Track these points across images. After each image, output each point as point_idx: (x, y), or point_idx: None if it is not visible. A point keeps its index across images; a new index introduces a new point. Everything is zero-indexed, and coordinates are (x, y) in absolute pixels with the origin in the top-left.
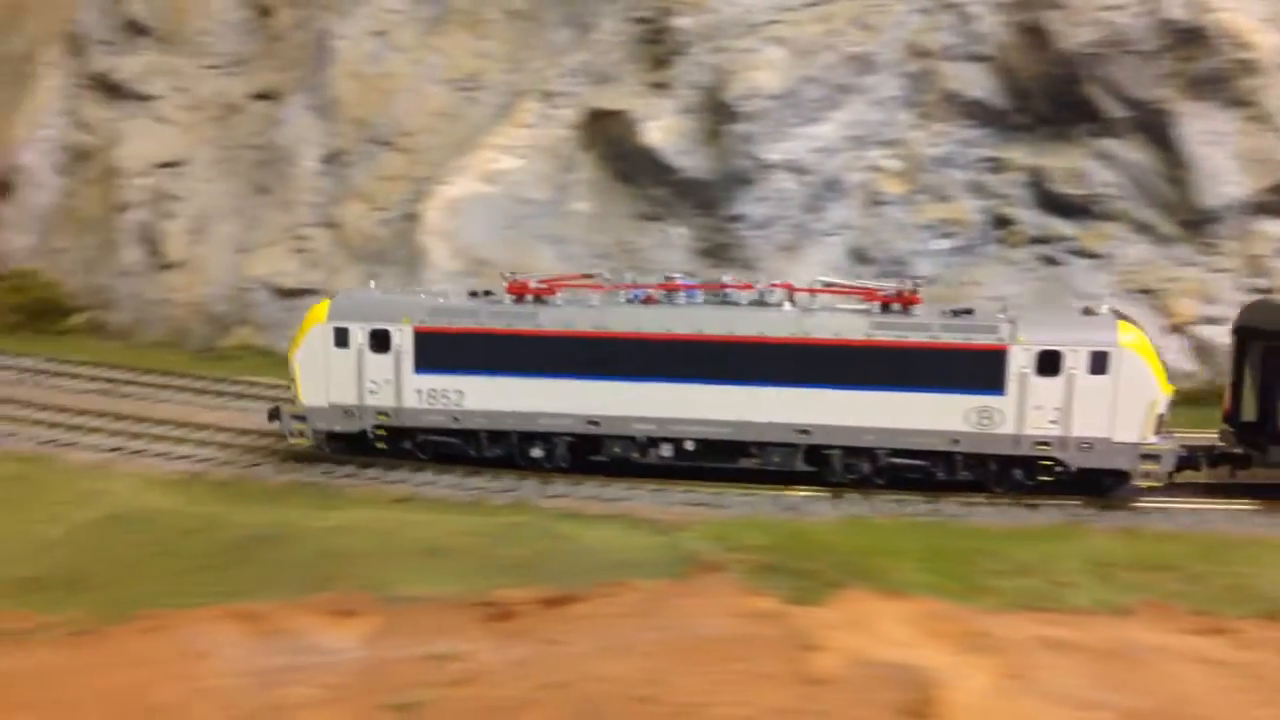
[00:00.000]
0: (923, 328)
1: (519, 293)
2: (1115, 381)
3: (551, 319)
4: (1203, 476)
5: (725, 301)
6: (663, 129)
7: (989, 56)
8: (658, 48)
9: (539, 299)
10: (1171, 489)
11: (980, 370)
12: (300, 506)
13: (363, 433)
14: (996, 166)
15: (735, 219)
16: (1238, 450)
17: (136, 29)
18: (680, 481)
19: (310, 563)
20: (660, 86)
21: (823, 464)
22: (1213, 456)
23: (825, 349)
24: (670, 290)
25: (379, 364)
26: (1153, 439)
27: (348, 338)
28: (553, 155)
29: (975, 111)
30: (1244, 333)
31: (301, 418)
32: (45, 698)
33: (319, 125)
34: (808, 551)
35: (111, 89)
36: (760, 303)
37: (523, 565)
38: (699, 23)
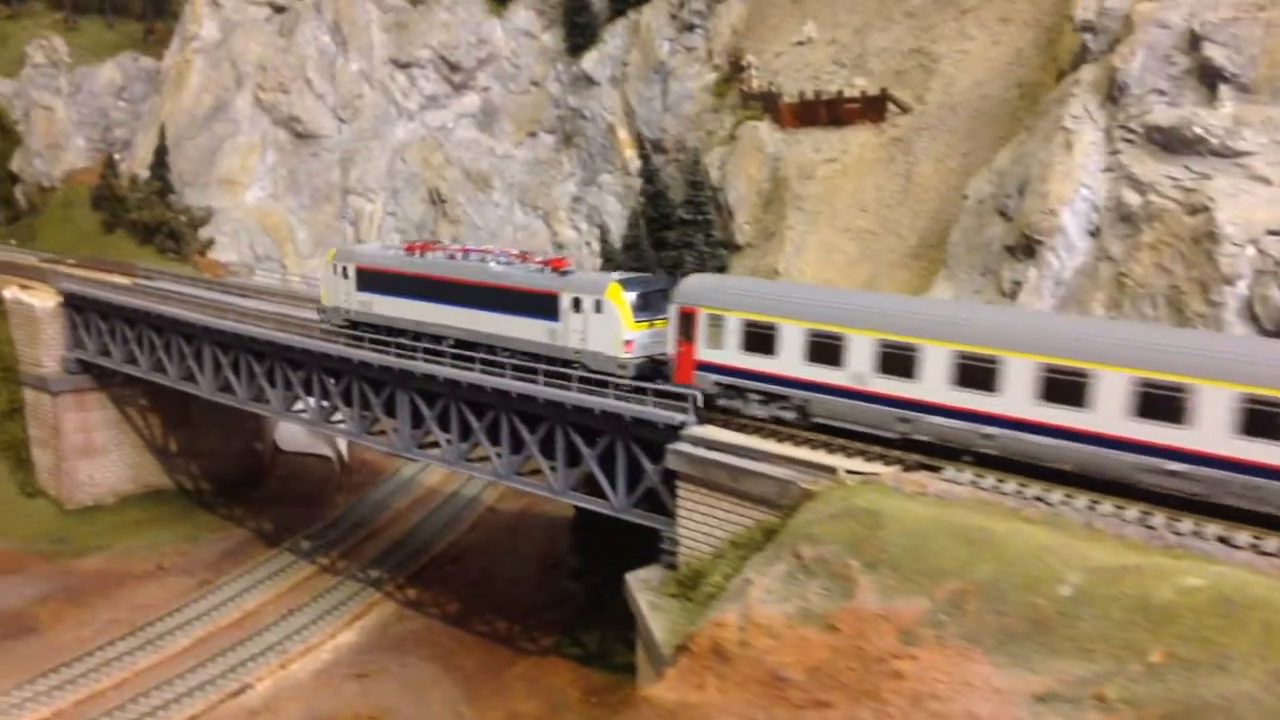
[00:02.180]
0: (531, 280)
1: (409, 250)
2: (605, 319)
3: (407, 264)
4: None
5: (479, 261)
6: None
7: None
8: None
9: (412, 253)
10: None
11: (550, 306)
12: None
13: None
14: None
15: None
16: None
17: (1211, 76)
18: None
19: None
20: None
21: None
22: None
23: (492, 289)
24: (464, 252)
25: (346, 286)
26: (624, 355)
27: (336, 269)
28: None
29: None
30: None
31: (323, 311)
32: None
33: None
34: None
35: (1175, 144)
36: (489, 262)
37: None
38: None
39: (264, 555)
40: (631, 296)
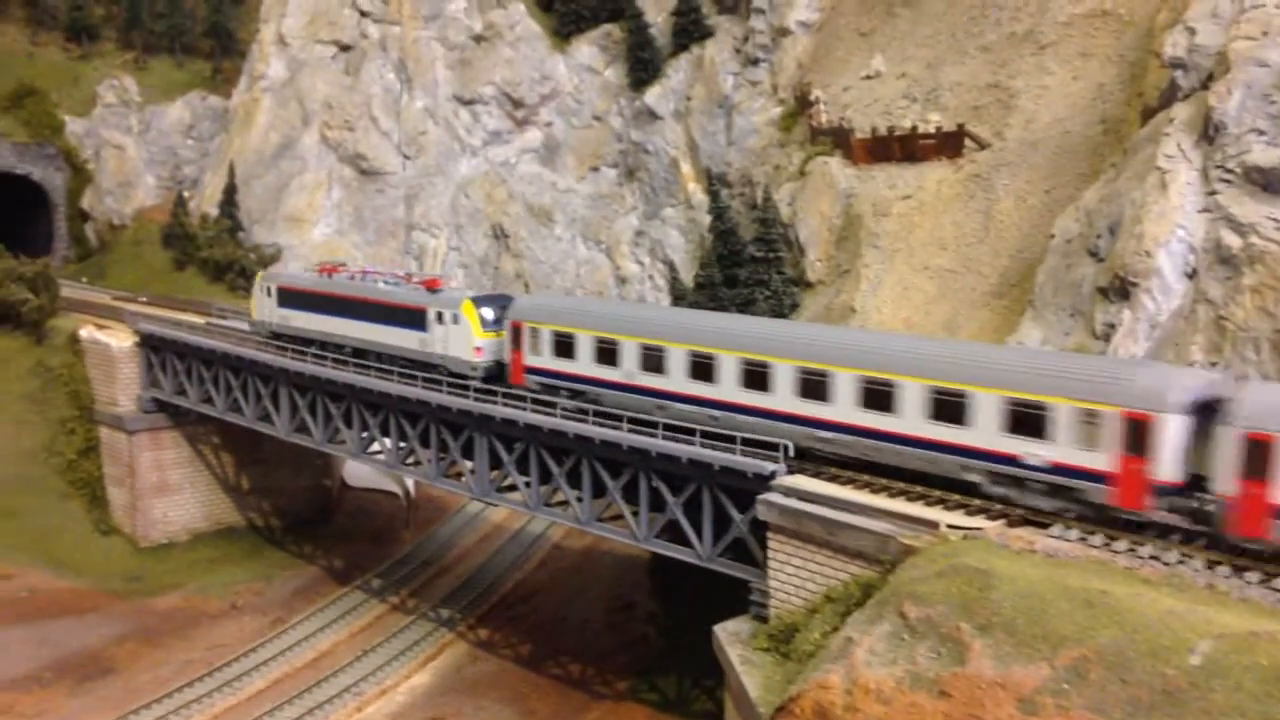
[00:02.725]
0: (408, 297)
1: (322, 272)
2: (460, 329)
3: (317, 284)
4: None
5: (371, 282)
6: None
7: None
8: None
9: (323, 275)
10: None
11: (420, 319)
12: None
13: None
14: None
15: None
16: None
17: None
18: None
19: None
20: None
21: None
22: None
23: (380, 305)
24: (362, 274)
25: (269, 303)
26: (475, 359)
27: (263, 289)
28: None
29: None
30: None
31: (252, 324)
32: None
33: None
34: None
35: (1277, 184)
36: (379, 282)
37: None
38: None
39: (335, 593)
40: (481, 311)
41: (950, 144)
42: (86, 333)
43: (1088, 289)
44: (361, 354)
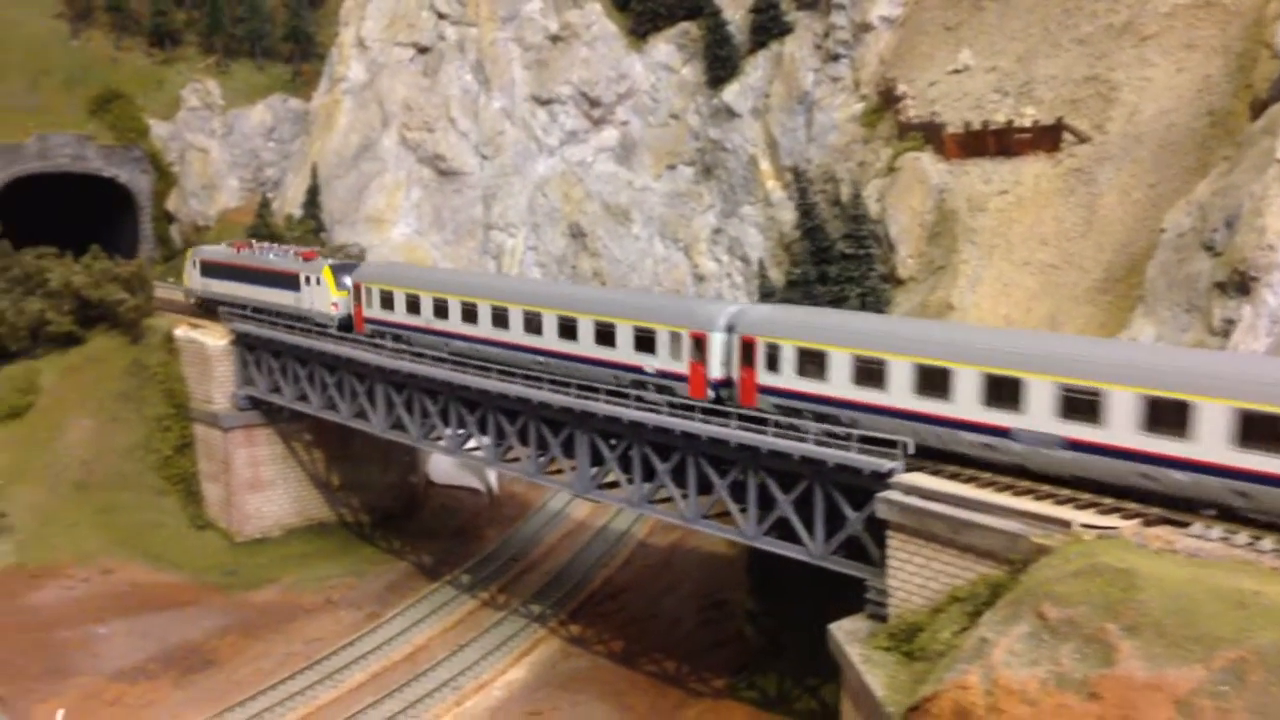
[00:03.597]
0: (288, 265)
1: (234, 247)
2: (321, 289)
3: (228, 257)
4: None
5: (265, 254)
6: None
7: None
8: None
9: (233, 249)
10: None
11: (295, 282)
12: None
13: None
14: None
15: None
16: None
17: None
18: None
19: None
20: None
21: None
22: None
23: (268, 272)
24: (261, 249)
25: (195, 273)
26: (331, 312)
27: (191, 262)
28: None
29: None
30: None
31: (185, 292)
32: None
33: None
34: None
35: None
36: (269, 254)
37: None
38: None
39: (426, 588)
40: (339, 277)
41: (1047, 138)
42: (181, 332)
43: (1204, 284)
44: (260, 311)
